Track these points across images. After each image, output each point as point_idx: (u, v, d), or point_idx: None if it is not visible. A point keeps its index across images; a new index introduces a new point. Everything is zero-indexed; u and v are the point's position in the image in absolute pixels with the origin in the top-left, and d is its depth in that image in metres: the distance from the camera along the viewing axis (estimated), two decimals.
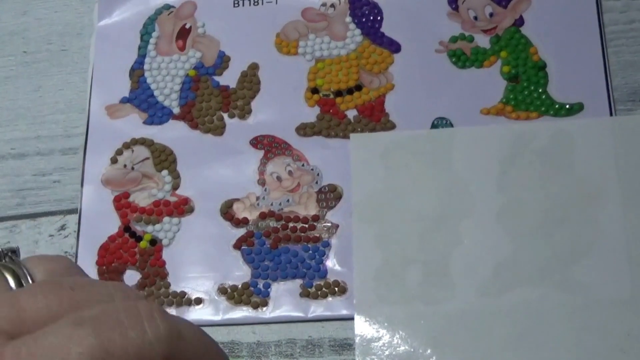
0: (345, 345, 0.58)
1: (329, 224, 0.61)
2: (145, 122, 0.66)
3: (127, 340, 0.40)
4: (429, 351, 0.56)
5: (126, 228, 0.63)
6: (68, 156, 0.66)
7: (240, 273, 0.60)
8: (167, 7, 0.69)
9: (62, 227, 0.64)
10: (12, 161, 0.67)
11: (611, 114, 0.62)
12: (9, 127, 0.68)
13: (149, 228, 0.62)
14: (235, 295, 0.60)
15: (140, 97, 0.67)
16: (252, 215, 0.62)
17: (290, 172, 0.63)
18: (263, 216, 0.62)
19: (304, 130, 0.64)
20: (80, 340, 0.39)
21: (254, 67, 0.67)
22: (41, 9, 0.72)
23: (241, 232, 0.62)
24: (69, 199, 0.65)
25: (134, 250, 0.62)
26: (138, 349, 0.40)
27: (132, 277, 0.61)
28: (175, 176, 0.64)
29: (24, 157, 0.67)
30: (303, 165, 0.63)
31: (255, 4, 0.69)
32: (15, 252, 0.45)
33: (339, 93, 0.65)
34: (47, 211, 0.65)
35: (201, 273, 0.61)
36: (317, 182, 0.62)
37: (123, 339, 0.40)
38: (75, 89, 0.68)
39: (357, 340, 0.57)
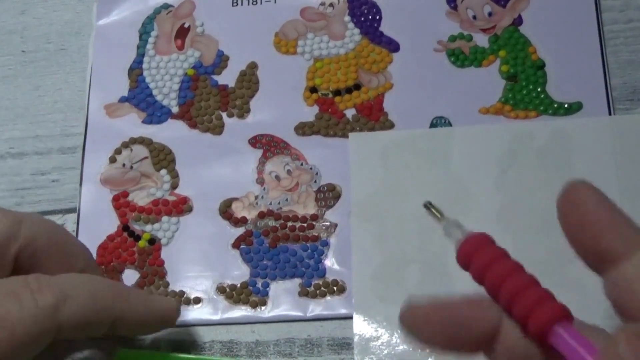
0: (344, 344, 0.58)
1: (328, 223, 0.61)
2: (144, 122, 0.66)
3: (22, 310, 0.45)
4: (427, 350, 0.56)
5: (125, 227, 0.63)
6: (67, 155, 0.66)
7: (239, 272, 0.60)
8: (166, 6, 0.69)
9: None
10: (11, 160, 0.67)
11: (610, 113, 0.62)
12: (8, 126, 0.68)
13: (148, 227, 0.62)
14: (234, 294, 0.60)
15: (139, 97, 0.67)
16: (250, 215, 0.62)
17: (289, 171, 0.63)
18: (262, 215, 0.62)
19: (303, 129, 0.64)
20: None
21: (253, 66, 0.67)
22: (40, 8, 0.72)
23: (240, 231, 0.62)
24: (68, 199, 0.65)
25: (133, 249, 0.62)
26: (31, 316, 0.45)
27: (131, 276, 0.61)
28: (174, 175, 0.64)
29: (22, 156, 0.67)
30: (302, 164, 0.63)
31: (254, 3, 0.69)
32: None
33: (337, 92, 0.65)
34: (45, 210, 0.64)
35: (200, 272, 0.61)
36: (315, 182, 0.62)
37: (18, 309, 0.45)
38: (74, 89, 0.68)
39: (355, 339, 0.57)
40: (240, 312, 0.60)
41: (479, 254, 0.41)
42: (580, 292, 0.57)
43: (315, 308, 0.59)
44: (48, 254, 0.52)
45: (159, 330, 0.56)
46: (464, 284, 0.58)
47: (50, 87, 0.69)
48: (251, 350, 0.59)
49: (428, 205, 0.46)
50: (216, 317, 0.60)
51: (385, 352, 0.57)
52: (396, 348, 0.57)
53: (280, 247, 0.61)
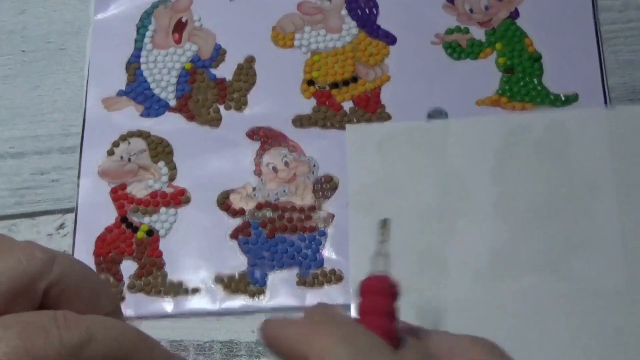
0: None
1: (325, 214, 0.61)
2: (141, 115, 0.66)
3: (48, 345, 0.44)
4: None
5: (123, 219, 0.63)
6: (66, 155, 0.66)
7: (237, 263, 0.61)
8: (164, 0, 0.70)
9: (61, 226, 0.64)
10: (11, 160, 0.67)
11: (606, 105, 0.62)
12: (8, 126, 0.68)
13: (146, 219, 0.62)
14: (232, 284, 0.60)
15: (137, 90, 0.67)
16: (248, 206, 0.62)
17: (286, 163, 0.63)
18: (259, 206, 0.62)
19: (300, 121, 0.64)
20: (7, 342, 0.43)
21: (250, 59, 0.67)
22: (40, 8, 0.72)
23: (238, 222, 0.62)
24: (68, 198, 0.65)
25: (131, 240, 0.62)
26: (56, 352, 0.44)
27: (129, 267, 0.61)
28: (172, 167, 0.64)
29: (22, 156, 0.67)
30: (299, 156, 0.63)
31: None
32: None
33: (334, 85, 0.65)
34: (45, 210, 0.65)
35: (198, 263, 0.61)
36: (313, 173, 0.63)
37: (45, 343, 0.44)
38: (74, 88, 0.68)
39: None
40: (239, 301, 0.60)
41: (369, 296, 0.44)
42: (577, 281, 0.57)
43: (313, 297, 0.59)
44: (76, 294, 0.52)
45: None
46: (460, 275, 0.58)
47: (50, 86, 0.69)
48: (251, 350, 0.59)
49: (384, 223, 0.48)
50: (214, 307, 0.60)
51: None
52: None
53: (278, 238, 0.61)
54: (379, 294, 0.44)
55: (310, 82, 0.66)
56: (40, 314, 0.48)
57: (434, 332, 0.46)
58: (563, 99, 0.63)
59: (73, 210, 0.64)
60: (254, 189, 0.63)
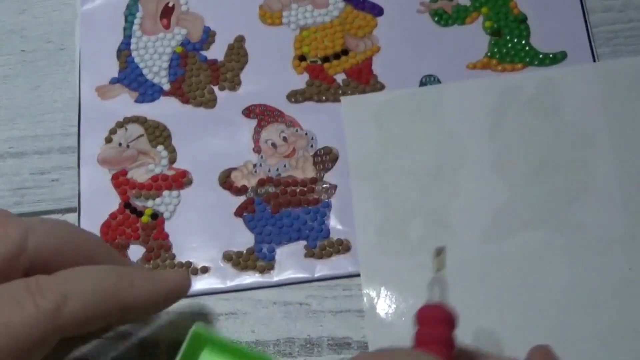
0: (344, 344, 0.58)
1: (327, 185, 0.62)
2: (136, 101, 0.66)
3: (25, 315, 0.45)
4: None
5: (126, 204, 0.63)
6: (67, 155, 0.66)
7: (243, 239, 0.61)
8: None
9: None
10: (11, 160, 0.67)
11: (594, 60, 0.63)
12: (7, 126, 0.68)
13: (149, 203, 0.63)
14: (240, 261, 0.60)
15: (130, 77, 0.67)
16: (250, 183, 0.62)
17: (284, 138, 0.64)
18: (261, 183, 0.62)
19: (295, 96, 0.65)
20: None
21: (240, 39, 0.67)
22: (40, 8, 0.72)
23: (241, 199, 0.62)
24: (68, 198, 0.65)
25: (136, 225, 0.62)
26: (32, 320, 0.45)
27: (136, 251, 0.62)
28: (171, 150, 0.64)
29: (22, 156, 0.67)
30: (297, 130, 0.64)
31: None
32: None
33: (326, 59, 0.66)
34: (45, 210, 0.65)
35: (205, 242, 0.61)
36: (312, 146, 0.63)
37: (21, 315, 0.45)
38: (74, 88, 0.68)
39: (364, 297, 0.58)
40: (249, 278, 0.60)
41: (427, 325, 0.45)
42: (578, 233, 0.58)
43: (322, 268, 0.60)
44: (60, 258, 0.51)
45: (172, 304, 0.56)
46: (465, 235, 0.59)
47: (50, 86, 0.69)
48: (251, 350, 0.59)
49: (439, 251, 0.49)
50: (224, 285, 0.60)
51: (394, 306, 0.58)
52: (405, 302, 0.58)
53: (283, 212, 0.61)
54: (437, 323, 0.45)
55: (302, 58, 0.66)
56: (11, 285, 0.48)
57: (491, 357, 0.47)
58: (552, 57, 0.64)
59: (73, 210, 0.64)
60: (254, 165, 0.63)
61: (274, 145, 0.63)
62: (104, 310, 0.50)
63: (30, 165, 0.66)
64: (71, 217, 0.64)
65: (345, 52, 0.66)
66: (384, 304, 0.58)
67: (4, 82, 0.69)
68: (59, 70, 0.69)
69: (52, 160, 0.66)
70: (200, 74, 0.66)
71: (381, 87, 0.64)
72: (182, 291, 0.55)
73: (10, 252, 0.49)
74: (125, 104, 0.66)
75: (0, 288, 0.47)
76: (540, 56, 0.64)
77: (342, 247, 0.60)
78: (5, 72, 0.70)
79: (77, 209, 0.64)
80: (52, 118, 0.68)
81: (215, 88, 0.66)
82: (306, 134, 0.63)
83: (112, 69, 0.67)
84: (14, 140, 0.67)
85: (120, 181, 0.63)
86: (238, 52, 0.67)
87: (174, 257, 0.61)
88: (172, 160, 0.64)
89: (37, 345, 0.47)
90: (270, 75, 0.66)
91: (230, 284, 0.60)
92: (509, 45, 0.64)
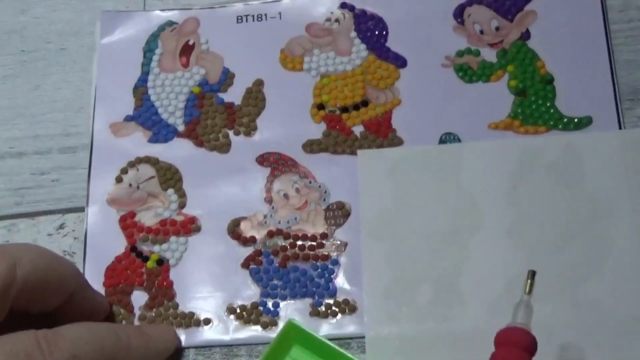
0: (344, 344, 0.58)
1: (338, 242, 0.61)
2: (149, 141, 0.65)
3: None
4: None
5: (132, 248, 0.62)
6: (67, 155, 0.66)
7: (249, 292, 0.60)
8: (170, 23, 0.69)
9: (61, 226, 0.64)
10: (11, 160, 0.66)
11: (620, 127, 0.61)
12: (8, 126, 0.68)
13: (156, 248, 0.62)
14: (244, 315, 0.59)
15: (145, 115, 0.66)
16: (259, 234, 0.61)
17: (297, 190, 0.62)
18: (271, 234, 0.61)
19: (311, 146, 0.64)
20: None
21: (259, 83, 0.66)
22: (40, 8, 0.72)
23: (249, 250, 0.61)
24: (68, 198, 0.64)
25: (141, 270, 0.61)
26: None
27: (139, 298, 0.61)
28: (181, 195, 0.63)
29: (22, 156, 0.67)
30: (310, 182, 0.63)
31: (259, 19, 0.68)
32: None
33: (345, 109, 0.65)
34: (45, 210, 0.64)
35: (209, 293, 0.60)
36: (324, 200, 0.62)
37: None
38: (74, 88, 0.68)
39: (368, 359, 0.57)
40: (251, 332, 0.59)
41: (506, 346, 0.45)
42: (593, 309, 0.57)
43: (327, 328, 0.58)
44: (43, 288, 0.53)
45: None
46: (475, 304, 0.57)
47: (50, 86, 0.69)
48: (251, 351, 0.59)
49: (532, 274, 0.48)
50: (227, 337, 0.59)
51: None
52: None
53: (290, 267, 0.60)
54: (517, 346, 0.44)
55: (320, 106, 0.65)
56: (21, 338, 0.49)
57: None
58: (577, 122, 0.62)
59: (73, 210, 0.64)
60: (265, 216, 0.62)
61: (286, 196, 0.62)
62: None
63: (30, 165, 0.66)
64: (71, 218, 0.64)
65: (365, 103, 0.65)
66: None
67: (4, 82, 0.69)
68: (59, 71, 0.69)
69: (52, 160, 0.66)
70: (217, 116, 0.65)
71: (399, 142, 0.63)
72: (171, 350, 0.58)
73: (1, 287, 0.50)
74: (138, 143, 0.65)
75: (10, 340, 0.49)
76: (565, 120, 0.62)
77: (348, 307, 0.59)
78: (5, 73, 0.70)
79: (76, 209, 0.64)
80: (52, 118, 0.67)
81: (231, 132, 0.65)
82: (319, 186, 0.62)
83: (128, 105, 0.66)
84: (14, 140, 0.67)
85: (128, 224, 0.63)
86: (256, 96, 0.66)
87: (177, 306, 0.60)
88: (182, 205, 0.63)
89: None
90: (287, 122, 0.65)
91: (232, 337, 0.59)
92: (533, 106, 0.63)
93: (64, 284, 0.54)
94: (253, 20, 0.68)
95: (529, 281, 0.49)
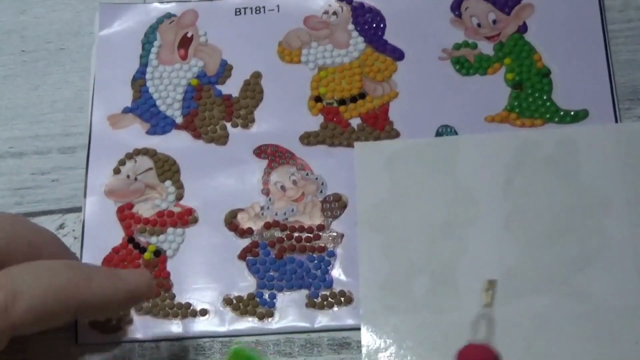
0: (344, 344, 0.58)
1: (334, 234, 0.61)
2: (147, 132, 0.65)
3: None
4: None
5: (130, 239, 0.62)
6: (67, 155, 0.66)
7: (245, 284, 0.60)
8: (169, 15, 0.69)
9: (61, 226, 0.64)
10: (11, 160, 0.66)
11: (616, 120, 0.62)
12: (7, 126, 0.68)
13: (153, 239, 0.62)
14: (240, 306, 0.59)
15: (143, 107, 0.66)
16: (256, 225, 0.62)
17: (294, 182, 0.63)
18: (267, 226, 0.61)
19: (308, 139, 0.64)
20: None
21: (257, 75, 0.66)
22: (39, 8, 0.72)
23: (246, 242, 0.61)
24: (68, 198, 0.65)
25: (138, 261, 0.61)
26: None
27: None
28: (179, 186, 0.63)
29: (22, 156, 0.67)
30: (307, 174, 0.63)
31: (257, 12, 0.68)
32: None
33: (342, 101, 0.65)
34: (45, 210, 0.64)
35: (206, 284, 0.60)
36: (321, 192, 0.62)
37: None
38: (74, 88, 0.68)
39: (364, 350, 0.57)
40: (247, 323, 0.59)
41: None
42: (588, 301, 0.57)
43: (323, 319, 0.59)
44: (11, 254, 0.49)
45: (132, 307, 0.55)
46: (471, 296, 0.58)
47: (50, 86, 0.69)
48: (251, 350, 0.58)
49: (490, 284, 0.48)
50: (223, 329, 0.59)
51: None
52: (405, 358, 0.57)
53: (287, 258, 0.60)
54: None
55: (318, 99, 0.65)
56: None
57: None
58: (573, 115, 0.62)
59: (73, 210, 0.64)
60: (262, 208, 0.62)
61: (283, 188, 0.62)
62: (58, 308, 0.47)
63: (30, 165, 0.66)
64: (71, 217, 0.64)
65: (362, 95, 0.65)
66: (384, 359, 0.57)
67: (4, 82, 0.69)
68: (59, 70, 0.69)
69: (52, 160, 0.66)
70: (214, 108, 0.65)
71: (396, 134, 0.63)
72: (144, 292, 0.53)
73: None
74: (136, 135, 0.65)
75: None
76: (561, 113, 0.62)
77: (345, 299, 0.59)
78: (5, 73, 0.70)
79: (76, 209, 0.64)
80: (52, 118, 0.67)
81: (228, 124, 0.65)
82: (316, 178, 0.62)
83: (126, 97, 0.67)
84: (14, 140, 0.67)
85: (126, 215, 0.63)
86: (254, 88, 0.66)
87: (173, 297, 0.60)
88: (179, 197, 0.63)
89: None
90: (285, 114, 0.65)
91: (228, 328, 0.59)
92: (530, 99, 0.63)
93: (37, 256, 0.50)
94: (251, 13, 0.68)
95: (490, 292, 0.48)
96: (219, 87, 0.66)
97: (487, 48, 0.65)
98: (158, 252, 0.62)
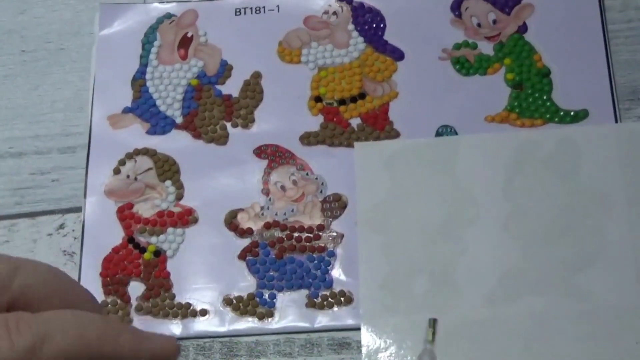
0: (344, 344, 0.58)
1: (334, 234, 0.61)
2: (147, 132, 0.65)
3: None
4: None
5: (130, 239, 0.62)
6: (67, 155, 0.66)
7: (245, 284, 0.60)
8: (169, 15, 0.69)
9: (61, 226, 0.64)
10: (11, 160, 0.67)
11: (616, 121, 0.62)
12: (8, 126, 0.68)
13: (153, 239, 0.62)
14: (240, 306, 0.59)
15: (143, 107, 0.66)
16: (256, 226, 0.62)
17: (294, 182, 0.63)
18: (267, 226, 0.61)
19: (308, 139, 0.64)
20: None
21: (257, 75, 0.66)
22: (39, 8, 0.72)
23: (246, 242, 0.61)
24: (68, 198, 0.65)
25: (138, 261, 0.61)
26: (8, 358, 0.42)
27: (136, 288, 0.61)
28: (179, 186, 0.63)
29: (22, 156, 0.67)
30: (307, 174, 0.63)
31: (257, 12, 0.68)
32: None
33: (342, 101, 0.65)
34: (45, 210, 0.64)
35: (206, 284, 0.60)
36: (321, 192, 0.62)
37: None
38: (74, 88, 0.68)
39: (364, 350, 0.57)
40: (247, 323, 0.59)
41: None
42: (588, 301, 0.57)
43: (323, 319, 0.59)
44: (45, 303, 0.50)
45: None
46: (470, 295, 0.58)
47: (50, 86, 0.69)
48: (251, 350, 0.59)
49: (433, 322, 0.48)
50: (223, 329, 0.59)
51: None
52: (405, 358, 0.57)
53: (287, 258, 0.60)
54: None
55: (318, 99, 0.65)
56: None
57: None
58: (573, 115, 0.62)
59: (73, 210, 0.64)
60: (262, 208, 0.62)
61: (283, 188, 0.62)
62: (83, 358, 0.48)
63: (30, 165, 0.66)
64: (71, 217, 0.64)
65: (362, 95, 0.65)
66: (384, 359, 0.57)
67: (4, 82, 0.69)
68: (58, 70, 0.69)
69: (52, 160, 0.66)
70: (214, 108, 0.65)
71: (396, 134, 0.63)
72: (168, 358, 0.54)
73: None
74: (136, 134, 0.65)
75: None
76: (561, 113, 0.62)
77: (344, 298, 0.59)
78: (5, 72, 0.70)
79: (76, 209, 0.64)
80: (52, 118, 0.68)
81: (228, 124, 0.65)
82: (316, 178, 0.62)
83: (126, 97, 0.67)
84: (14, 140, 0.67)
85: (126, 215, 0.63)
86: (254, 88, 0.66)
87: (173, 297, 0.60)
88: (179, 197, 0.63)
89: None
90: (285, 114, 0.65)
91: (228, 328, 0.59)
92: (530, 99, 0.63)
93: (71, 305, 0.52)
94: (251, 13, 0.68)
95: (431, 330, 0.49)
96: (219, 87, 0.66)
97: (487, 48, 0.65)
98: (158, 252, 0.62)
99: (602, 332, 0.56)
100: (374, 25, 0.67)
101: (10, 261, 0.49)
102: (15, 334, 0.46)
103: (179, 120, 0.65)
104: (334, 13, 0.68)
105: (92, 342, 0.49)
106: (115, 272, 0.61)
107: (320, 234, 0.61)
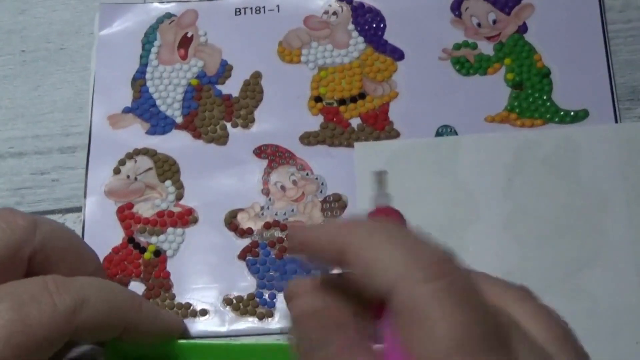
0: None
1: None
2: (147, 132, 0.65)
3: (42, 313, 0.45)
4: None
5: (130, 239, 0.62)
6: (67, 155, 0.66)
7: (245, 284, 0.60)
8: (169, 15, 0.69)
9: None
10: (11, 160, 0.66)
11: (616, 121, 0.62)
12: (7, 126, 0.68)
13: (153, 239, 0.62)
14: (240, 306, 0.59)
15: (143, 107, 0.66)
16: (256, 225, 0.62)
17: (294, 182, 0.63)
18: (267, 226, 0.61)
19: (308, 139, 0.64)
20: (1, 315, 0.43)
21: (257, 75, 0.66)
22: (39, 8, 0.72)
23: (246, 242, 0.61)
24: (68, 198, 0.65)
25: (138, 261, 0.61)
26: (50, 319, 0.45)
27: (136, 288, 0.61)
28: (179, 186, 0.63)
29: (22, 156, 0.67)
30: (307, 174, 0.63)
31: (257, 12, 0.68)
32: None
33: (342, 101, 0.65)
34: (46, 210, 0.64)
35: (206, 284, 0.60)
36: (321, 192, 0.62)
37: (39, 312, 0.45)
38: (74, 88, 0.68)
39: None
40: (247, 324, 0.59)
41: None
42: (589, 300, 0.57)
43: None
44: (61, 258, 0.53)
45: (161, 341, 0.56)
46: None
47: (50, 86, 0.69)
48: None
49: (380, 176, 0.45)
50: (223, 329, 0.59)
51: None
52: None
53: (287, 258, 0.60)
54: (389, 217, 0.43)
55: (318, 99, 0.65)
56: (30, 281, 0.48)
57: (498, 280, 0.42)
58: (573, 115, 0.62)
59: (73, 210, 0.64)
60: (261, 208, 0.62)
61: (283, 188, 0.62)
62: (113, 322, 0.51)
63: (30, 165, 0.66)
64: (71, 217, 0.64)
65: (362, 95, 0.65)
66: None
67: (3, 83, 0.69)
68: (59, 70, 0.69)
69: (52, 160, 0.66)
70: (214, 108, 0.65)
71: (396, 134, 0.63)
72: (177, 332, 0.58)
73: (18, 240, 0.50)
74: (136, 134, 0.65)
75: (17, 284, 0.48)
76: (561, 113, 0.62)
77: None
78: (5, 72, 0.70)
79: (76, 209, 0.64)
80: (52, 118, 0.67)
81: (228, 124, 0.65)
82: (316, 178, 0.62)
83: (126, 97, 0.67)
84: (14, 140, 0.67)
85: (126, 215, 0.63)
86: (254, 88, 0.66)
87: (173, 297, 0.60)
88: (179, 197, 0.63)
89: (50, 344, 0.48)
90: (285, 114, 0.65)
91: (228, 328, 0.59)
92: (530, 99, 0.63)
93: (81, 262, 0.54)
94: (251, 13, 0.68)
95: (377, 185, 0.46)
96: (219, 87, 0.66)
97: (487, 48, 0.65)
98: (158, 252, 0.62)
99: (602, 332, 0.56)
100: (374, 25, 0.67)
101: (30, 218, 0.51)
102: (56, 296, 0.47)
103: (179, 120, 0.65)
104: (334, 13, 0.68)
105: (120, 308, 0.52)
106: (115, 272, 0.61)
107: None
